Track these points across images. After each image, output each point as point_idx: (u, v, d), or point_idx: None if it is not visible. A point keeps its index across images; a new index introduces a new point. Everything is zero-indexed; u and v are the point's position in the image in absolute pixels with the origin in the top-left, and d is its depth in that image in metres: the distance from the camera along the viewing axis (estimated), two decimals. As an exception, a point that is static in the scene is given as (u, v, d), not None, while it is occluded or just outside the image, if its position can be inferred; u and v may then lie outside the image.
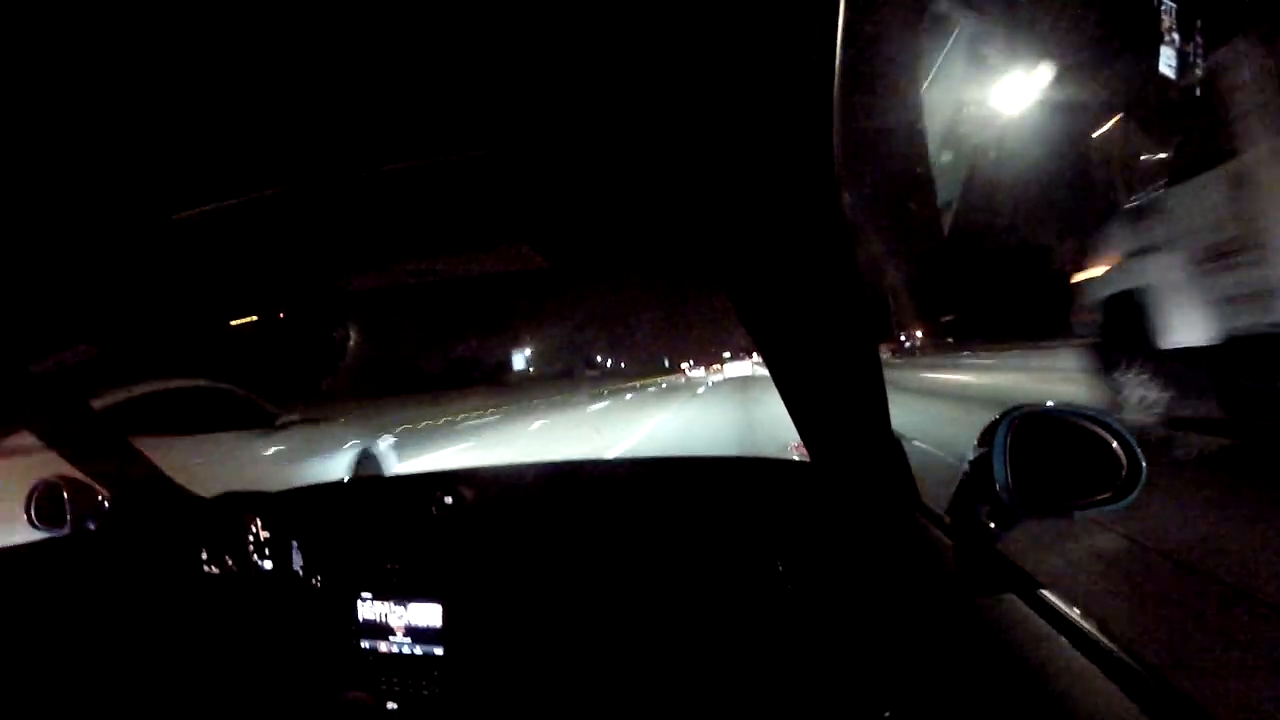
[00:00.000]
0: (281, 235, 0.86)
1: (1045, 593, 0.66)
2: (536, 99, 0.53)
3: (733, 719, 0.85)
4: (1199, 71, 3.39)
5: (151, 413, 3.23)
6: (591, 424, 12.66)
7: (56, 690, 1.08)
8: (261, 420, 3.98)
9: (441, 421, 16.99)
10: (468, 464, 1.41)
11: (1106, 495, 0.67)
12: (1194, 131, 3.57)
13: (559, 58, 0.46)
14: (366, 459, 4.78)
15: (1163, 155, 3.86)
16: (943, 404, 8.32)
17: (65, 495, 1.21)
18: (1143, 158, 4.06)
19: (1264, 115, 3.06)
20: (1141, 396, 4.15)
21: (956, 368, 17.04)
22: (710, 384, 30.92)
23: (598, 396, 26.52)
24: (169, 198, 0.70)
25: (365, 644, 1.10)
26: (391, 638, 1.08)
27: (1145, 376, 4.11)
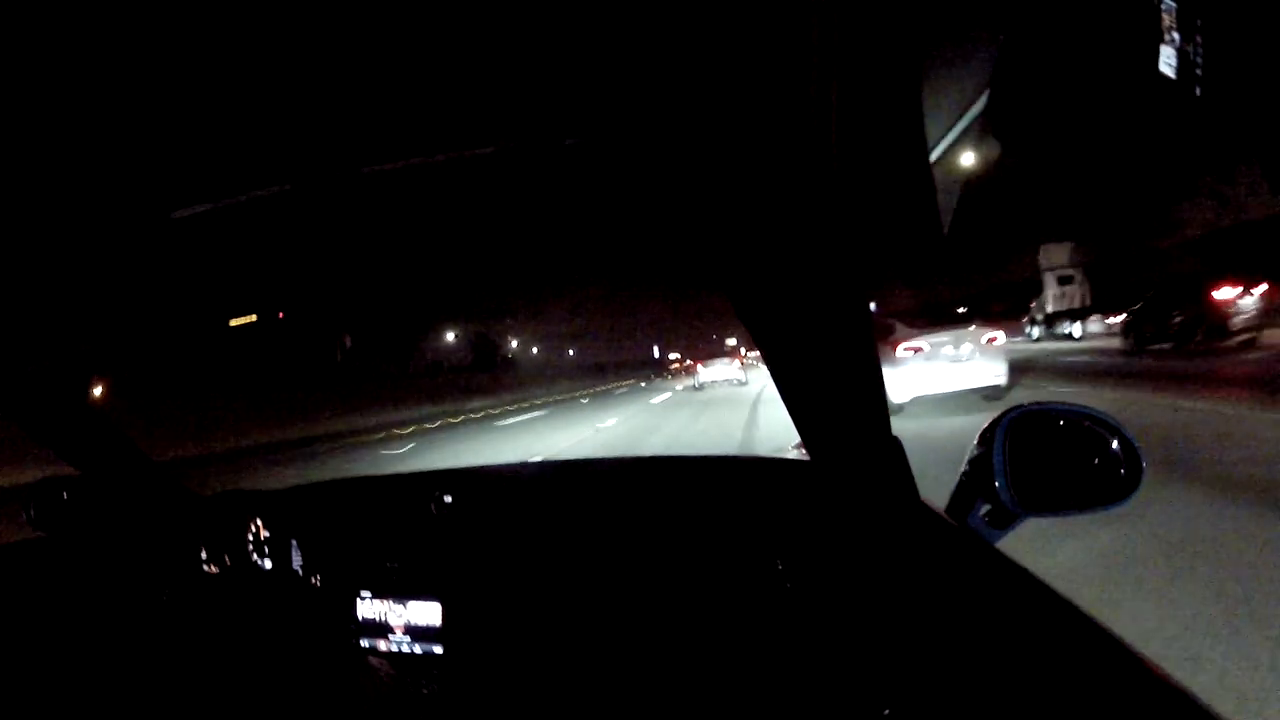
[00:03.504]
0: (281, 235, 0.86)
1: (1045, 591, 0.66)
2: (536, 98, 0.53)
3: (732, 717, 0.85)
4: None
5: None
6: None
7: (55, 690, 1.08)
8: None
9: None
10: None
11: (1106, 495, 0.67)
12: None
13: (557, 56, 0.46)
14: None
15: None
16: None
17: (65, 495, 1.21)
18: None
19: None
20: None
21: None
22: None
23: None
24: (169, 198, 0.70)
25: (365, 643, 1.10)
26: (391, 636, 1.08)
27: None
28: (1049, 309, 22.06)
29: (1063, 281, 22.45)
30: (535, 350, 54.63)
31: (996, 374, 7.35)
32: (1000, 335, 7.62)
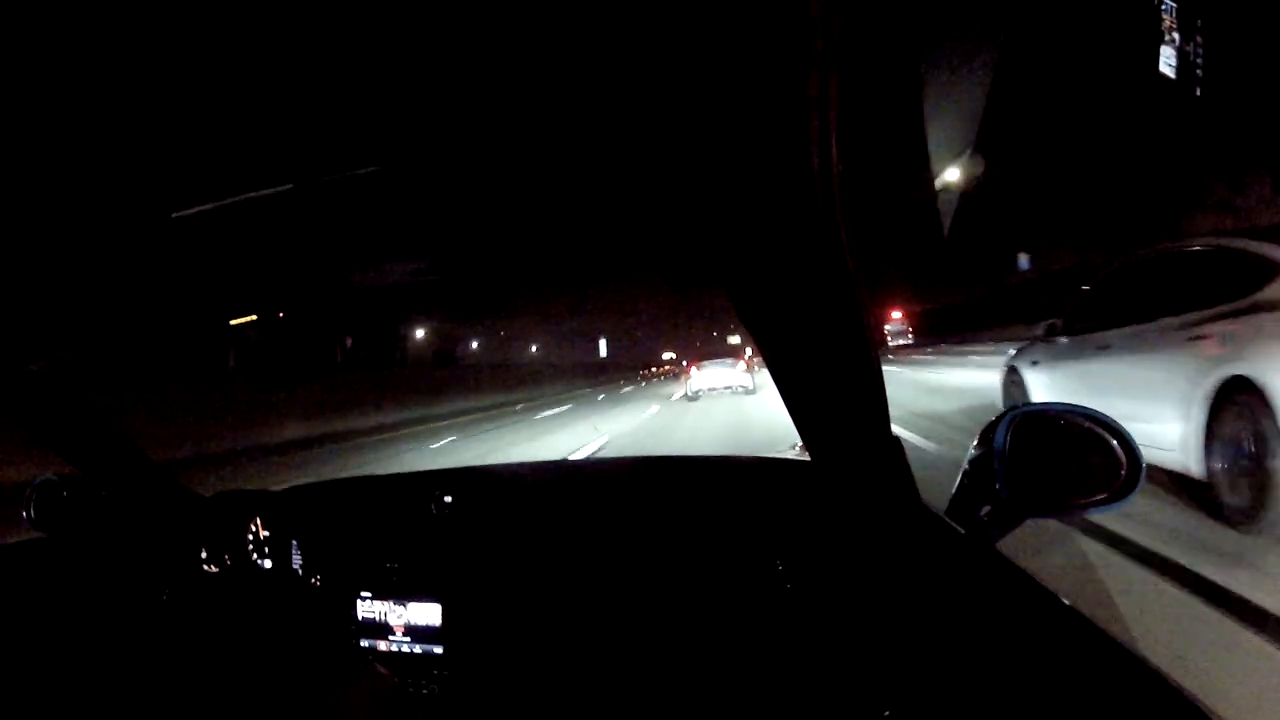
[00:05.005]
0: (281, 235, 0.86)
1: (1045, 593, 0.66)
2: (534, 98, 0.53)
3: (732, 718, 0.85)
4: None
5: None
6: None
7: (55, 691, 1.08)
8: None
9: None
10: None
11: (1107, 494, 0.67)
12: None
13: (552, 55, 0.46)
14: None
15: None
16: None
17: (65, 495, 1.21)
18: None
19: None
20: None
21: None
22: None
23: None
24: (169, 198, 0.70)
25: (365, 643, 1.10)
26: (391, 637, 1.09)
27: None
28: None
29: None
30: (475, 345, 43.37)
31: None
32: None
